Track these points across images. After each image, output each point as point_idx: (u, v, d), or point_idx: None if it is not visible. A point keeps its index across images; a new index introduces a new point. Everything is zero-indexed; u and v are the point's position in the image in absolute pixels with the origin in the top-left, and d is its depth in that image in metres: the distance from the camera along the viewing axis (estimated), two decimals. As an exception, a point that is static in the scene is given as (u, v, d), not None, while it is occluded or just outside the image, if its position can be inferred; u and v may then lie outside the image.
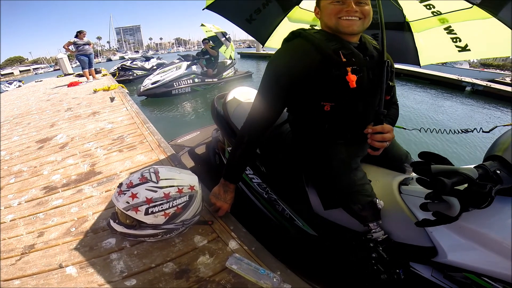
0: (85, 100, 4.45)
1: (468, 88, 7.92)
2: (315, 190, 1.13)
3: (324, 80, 0.88)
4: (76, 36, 6.67)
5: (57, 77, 9.30)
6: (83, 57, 6.81)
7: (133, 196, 1.04)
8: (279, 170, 1.33)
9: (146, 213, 1.04)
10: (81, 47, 6.73)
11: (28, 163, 2.19)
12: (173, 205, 1.08)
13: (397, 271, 0.94)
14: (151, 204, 1.04)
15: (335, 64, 0.87)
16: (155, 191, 1.06)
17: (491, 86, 7.29)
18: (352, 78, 0.85)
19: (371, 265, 0.98)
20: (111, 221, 1.15)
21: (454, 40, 1.29)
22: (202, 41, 8.30)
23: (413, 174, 1.09)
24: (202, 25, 8.59)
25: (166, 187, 1.08)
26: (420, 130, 1.36)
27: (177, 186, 1.10)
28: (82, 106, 4.01)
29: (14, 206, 1.58)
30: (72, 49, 6.76)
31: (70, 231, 1.30)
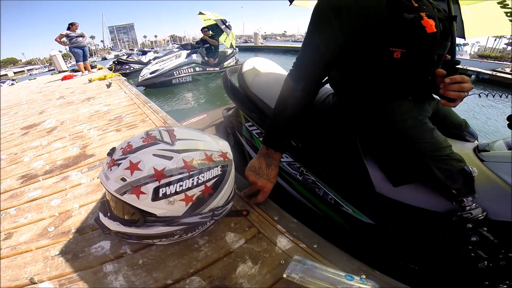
0: (79, 89, 4.07)
1: (473, 77, 7.98)
2: (376, 163, 0.90)
3: (395, 22, 0.76)
4: (68, 29, 6.29)
5: (51, 74, 8.92)
6: (77, 49, 6.44)
7: (133, 167, 0.65)
8: (320, 143, 1.05)
9: (155, 197, 0.66)
10: (74, 39, 6.35)
11: (8, 150, 1.82)
12: (199, 181, 0.70)
13: (510, 254, 0.73)
14: (163, 181, 0.65)
15: (406, 8, 0.77)
16: (170, 158, 0.67)
17: (496, 74, 7.59)
18: (431, 23, 0.76)
19: (467, 251, 0.77)
20: (101, 215, 0.77)
21: (509, 14, 1.27)
22: (201, 30, 7.90)
23: (485, 141, 0.94)
24: (200, 13, 8.19)
25: (188, 150, 0.70)
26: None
27: (203, 150, 0.73)
28: (75, 94, 3.63)
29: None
30: (65, 41, 6.40)
31: (48, 231, 0.93)
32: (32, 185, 1.29)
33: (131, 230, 0.72)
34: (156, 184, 0.65)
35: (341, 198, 1.00)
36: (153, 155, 0.66)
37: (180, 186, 0.67)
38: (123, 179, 0.64)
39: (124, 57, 10.32)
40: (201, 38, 7.79)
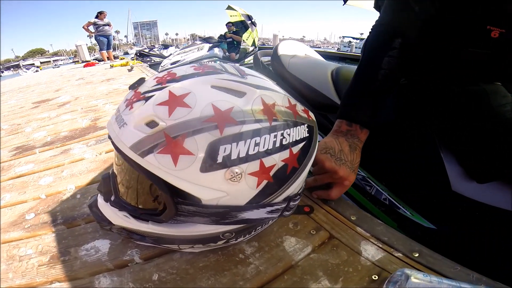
0: (100, 72, 3.92)
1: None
2: (455, 156, 0.73)
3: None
4: (96, 17, 6.31)
5: (75, 63, 9.00)
6: (102, 37, 6.42)
7: (175, 101, 0.37)
8: (382, 133, 0.82)
9: (210, 164, 0.36)
10: (101, 27, 6.36)
11: (12, 121, 1.63)
12: (283, 142, 0.41)
13: None
14: (227, 131, 0.37)
15: None
16: (241, 94, 0.40)
17: None
18: None
19: None
20: (99, 200, 0.52)
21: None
22: (226, 25, 7.79)
23: None
24: (229, 7, 8.00)
25: (265, 88, 0.43)
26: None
27: (285, 95, 0.46)
28: (95, 76, 3.47)
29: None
30: (92, 29, 6.40)
31: (25, 219, 0.69)
32: (25, 158, 1.06)
33: (147, 227, 0.45)
34: (214, 135, 0.36)
35: (397, 199, 0.83)
36: (212, 86, 0.40)
37: (256, 145, 0.38)
38: (152, 124, 0.36)
39: (146, 50, 10.31)
40: (225, 33, 7.66)
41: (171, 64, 6.36)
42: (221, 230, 0.44)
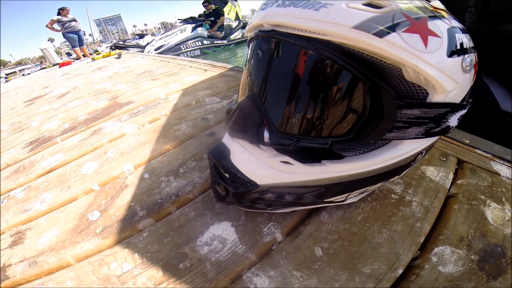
0: (84, 66, 3.56)
1: None
2: (496, 80, 0.86)
3: None
4: (59, 14, 5.71)
5: (45, 68, 8.40)
6: (71, 34, 5.87)
7: None
8: None
9: (454, 50, 0.30)
10: (67, 24, 5.77)
11: (10, 121, 1.37)
12: None
13: None
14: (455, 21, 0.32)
15: None
16: None
17: None
18: None
19: None
20: (237, 151, 0.38)
21: None
22: (202, 4, 7.35)
23: None
24: (202, -15, 7.57)
25: None
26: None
27: None
28: (81, 70, 3.13)
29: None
30: (57, 27, 5.84)
31: (89, 221, 0.49)
32: (47, 150, 0.84)
33: (322, 170, 0.34)
34: (446, 23, 0.30)
35: None
36: None
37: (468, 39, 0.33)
38: (372, 6, 0.28)
39: (121, 42, 9.74)
40: (204, 11, 7.26)
41: (155, 49, 5.99)
42: (421, 148, 0.35)
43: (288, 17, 0.30)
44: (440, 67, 0.29)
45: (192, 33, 6.51)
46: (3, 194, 0.65)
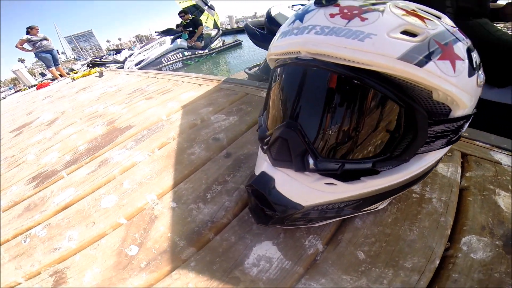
0: (65, 87, 3.46)
1: None
2: None
3: None
4: (28, 33, 5.47)
5: (21, 91, 8.07)
6: (44, 54, 5.64)
7: (414, 12, 0.33)
8: None
9: (472, 68, 0.34)
10: (38, 43, 5.53)
11: (2, 155, 1.31)
12: None
13: None
14: (469, 40, 0.37)
15: None
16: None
17: None
18: None
19: None
20: (280, 179, 0.39)
21: None
22: (178, 15, 7.32)
23: None
24: (176, -5, 7.54)
25: None
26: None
27: None
28: (62, 91, 3.04)
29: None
30: (28, 47, 5.62)
31: (130, 256, 0.49)
32: (54, 185, 0.81)
33: (363, 186, 0.38)
34: (465, 43, 0.34)
35: None
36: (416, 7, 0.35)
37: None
38: (407, 33, 0.31)
39: (98, 59, 9.56)
40: (181, 22, 7.23)
41: (136, 65, 5.88)
42: (441, 155, 0.40)
43: (332, 46, 0.31)
44: (464, 87, 0.32)
45: (172, 45, 6.46)
46: (22, 233, 0.63)
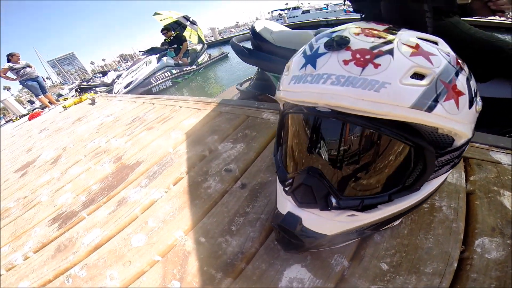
0: (58, 117, 3.47)
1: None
2: None
3: None
4: (9, 61, 5.24)
5: (13, 122, 7.95)
6: (30, 82, 5.44)
7: (420, 50, 0.36)
8: None
9: (472, 100, 0.39)
10: (21, 71, 5.31)
11: (13, 197, 1.34)
12: None
13: None
14: (464, 67, 0.41)
15: None
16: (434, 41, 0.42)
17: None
18: None
19: None
20: (306, 215, 0.44)
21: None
22: (161, 32, 7.33)
23: None
24: (156, 13, 7.61)
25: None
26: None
27: None
28: (57, 122, 3.06)
29: (18, 264, 0.79)
30: (12, 76, 5.43)
31: None
32: (78, 225, 0.86)
33: (380, 213, 0.42)
34: (464, 74, 0.38)
35: None
36: (417, 37, 0.39)
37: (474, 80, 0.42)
38: (416, 75, 0.34)
39: (85, 83, 9.51)
40: (165, 39, 7.26)
41: (125, 87, 5.89)
42: (448, 175, 0.45)
43: (351, 99, 0.33)
44: (465, 120, 0.37)
45: (159, 64, 6.48)
46: (62, 274, 0.67)
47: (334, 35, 0.38)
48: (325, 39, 0.38)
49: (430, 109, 0.33)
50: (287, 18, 22.71)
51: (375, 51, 0.34)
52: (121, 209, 0.84)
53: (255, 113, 1.19)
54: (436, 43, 0.39)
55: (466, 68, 0.39)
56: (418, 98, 0.33)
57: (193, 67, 7.18)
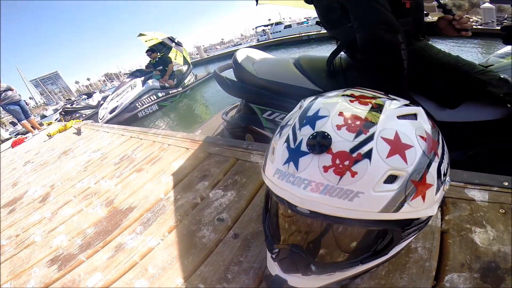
0: (43, 147, 3.44)
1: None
2: (424, 95, 1.09)
3: None
4: None
5: (-7, 147, 7.68)
6: (12, 106, 5.27)
7: (398, 146, 0.39)
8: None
9: (439, 186, 0.44)
10: (2, 94, 5.14)
11: (5, 234, 1.36)
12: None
13: None
14: (438, 151, 0.45)
15: None
16: (415, 116, 0.46)
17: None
18: None
19: None
20: (292, 280, 0.50)
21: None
22: (146, 53, 7.40)
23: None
24: (141, 34, 7.68)
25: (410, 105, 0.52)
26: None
27: None
28: (42, 154, 3.05)
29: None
30: None
31: None
32: (78, 268, 0.90)
33: (358, 268, 0.48)
34: (436, 161, 0.42)
35: None
36: (397, 117, 0.42)
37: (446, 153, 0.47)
38: (391, 178, 0.38)
39: (69, 105, 9.41)
40: (150, 61, 7.33)
41: (110, 113, 5.85)
42: (411, 238, 0.51)
43: (327, 207, 0.38)
44: (430, 206, 0.43)
45: (144, 87, 6.47)
46: None
47: (316, 129, 0.40)
48: (308, 134, 0.40)
49: (397, 209, 0.39)
50: (271, 33, 23.42)
51: (354, 155, 0.37)
52: (120, 255, 0.89)
53: (244, 155, 1.24)
54: (415, 115, 0.44)
55: (440, 150, 0.43)
56: (387, 203, 0.38)
57: (179, 89, 7.21)
